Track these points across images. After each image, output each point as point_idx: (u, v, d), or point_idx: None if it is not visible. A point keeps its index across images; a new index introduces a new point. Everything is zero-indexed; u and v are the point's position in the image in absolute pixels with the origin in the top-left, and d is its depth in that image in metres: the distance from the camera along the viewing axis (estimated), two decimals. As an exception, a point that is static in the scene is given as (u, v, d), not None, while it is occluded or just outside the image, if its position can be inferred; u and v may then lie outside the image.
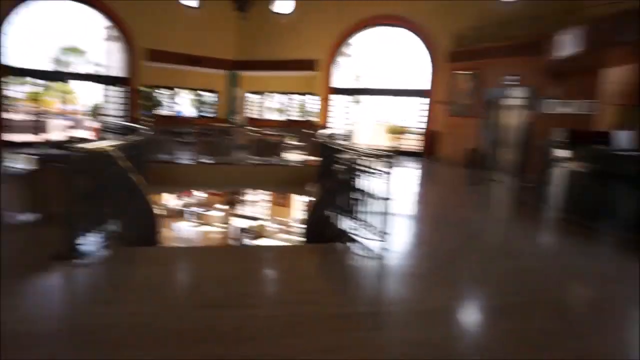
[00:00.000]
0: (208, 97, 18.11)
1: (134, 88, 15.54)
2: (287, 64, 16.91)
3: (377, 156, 4.87)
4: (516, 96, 12.16)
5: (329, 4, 16.09)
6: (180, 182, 9.88)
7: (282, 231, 13.83)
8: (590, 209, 6.75)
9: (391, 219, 4.64)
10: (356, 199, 5.11)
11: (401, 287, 3.94)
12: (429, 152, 15.03)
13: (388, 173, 4.60)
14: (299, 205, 13.80)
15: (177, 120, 16.43)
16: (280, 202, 14.17)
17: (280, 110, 18.44)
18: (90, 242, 4.37)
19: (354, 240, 4.88)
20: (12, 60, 13.07)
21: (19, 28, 13.04)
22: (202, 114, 17.96)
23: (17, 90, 14.73)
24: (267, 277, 4.33)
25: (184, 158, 10.67)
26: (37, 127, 14.20)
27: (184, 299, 3.56)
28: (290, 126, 15.88)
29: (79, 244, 4.23)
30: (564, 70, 10.29)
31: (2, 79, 12.73)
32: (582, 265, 4.68)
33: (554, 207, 7.56)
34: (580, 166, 7.23)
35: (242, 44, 17.61)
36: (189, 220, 14.23)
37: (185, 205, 14.88)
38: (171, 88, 17.19)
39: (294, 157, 11.36)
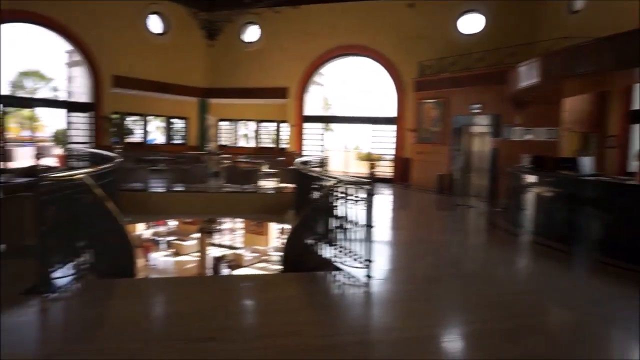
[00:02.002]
0: (178, 124, 17.96)
1: (100, 114, 15.22)
2: (259, 92, 17.04)
3: (358, 183, 4.92)
4: (481, 123, 12.64)
5: (298, 33, 16.44)
6: (152, 211, 9.66)
7: (259, 260, 13.64)
8: (561, 232, 7.02)
9: (373, 246, 4.67)
10: (337, 227, 5.13)
11: (387, 315, 3.94)
12: (400, 179, 15.30)
13: (369, 200, 4.65)
14: (275, 233, 13.71)
15: (148, 147, 16.17)
16: (256, 230, 14.03)
17: (252, 138, 18.45)
18: (64, 275, 4.19)
19: (337, 269, 4.88)
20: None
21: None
22: (172, 141, 17.76)
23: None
24: (248, 308, 4.25)
25: (156, 186, 10.47)
26: (2, 154, 13.63)
27: (164, 333, 3.44)
28: (262, 153, 15.89)
29: (52, 277, 4.05)
30: (524, 99, 10.82)
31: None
32: (557, 288, 4.81)
33: (525, 231, 7.80)
34: (548, 191, 7.54)
35: (213, 71, 17.67)
36: (163, 250, 13.86)
37: (159, 235, 14.52)
38: (141, 115, 16.93)
39: (268, 184, 11.33)
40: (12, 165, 13.08)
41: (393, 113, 15.93)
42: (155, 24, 16.31)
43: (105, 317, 3.72)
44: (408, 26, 15.08)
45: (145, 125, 17.27)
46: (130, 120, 16.53)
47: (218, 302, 4.10)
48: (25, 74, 23.06)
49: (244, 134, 18.80)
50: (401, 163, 15.44)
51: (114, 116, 15.50)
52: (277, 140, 17.72)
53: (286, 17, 14.76)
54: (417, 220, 9.56)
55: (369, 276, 4.53)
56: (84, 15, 14.22)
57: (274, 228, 13.68)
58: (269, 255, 13.69)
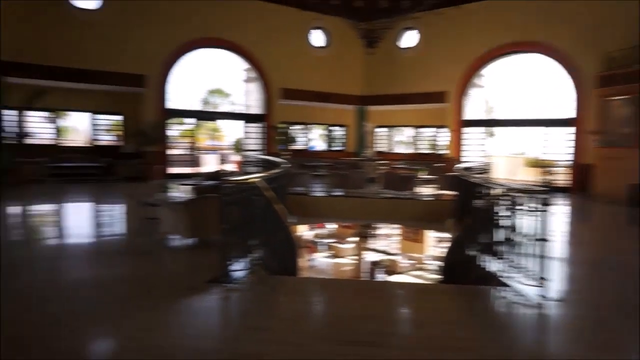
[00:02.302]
0: (338, 131, 18.77)
1: (270, 124, 16.76)
2: (416, 97, 16.79)
3: (530, 191, 4.44)
4: (692, 123, 10.37)
5: (457, 34, 15.75)
6: (313, 213, 10.22)
7: (414, 268, 13.40)
8: None
9: (548, 262, 4.15)
10: (505, 239, 4.70)
11: (567, 344, 3.44)
12: (579, 188, 13.45)
13: (543, 211, 4.15)
14: (432, 241, 13.32)
15: (310, 154, 17.25)
16: (413, 237, 13.82)
17: (409, 144, 18.28)
18: (240, 269, 4.66)
19: (503, 284, 4.46)
20: (172, 103, 15.12)
21: (176, 76, 15.03)
22: (332, 147, 18.64)
23: (175, 129, 16.91)
24: (409, 317, 4.15)
25: (317, 190, 11.06)
26: (192, 160, 16.14)
27: (327, 333, 3.55)
28: (420, 159, 15.60)
29: (231, 270, 4.53)
30: None
31: (166, 121, 14.75)
32: None
33: None
34: None
35: (370, 79, 18.02)
36: (323, 252, 14.62)
37: (318, 237, 15.37)
38: (304, 123, 18.15)
39: (426, 191, 11.04)
40: (200, 170, 15.30)
41: (568, 114, 14.13)
42: (317, 38, 17.34)
43: (274, 311, 4.02)
44: (587, 14, 13.21)
45: (307, 133, 18.47)
46: (294, 129, 17.84)
47: (375, 307, 4.09)
48: (212, 92, 26.77)
49: (401, 140, 18.73)
50: (580, 170, 13.58)
51: (281, 125, 16.92)
52: (434, 146, 17.23)
53: (445, 18, 14.29)
54: (602, 236, 8.24)
55: (543, 296, 4.03)
56: (257, 36, 15.87)
57: (430, 236, 13.26)
58: (425, 263, 13.31)
